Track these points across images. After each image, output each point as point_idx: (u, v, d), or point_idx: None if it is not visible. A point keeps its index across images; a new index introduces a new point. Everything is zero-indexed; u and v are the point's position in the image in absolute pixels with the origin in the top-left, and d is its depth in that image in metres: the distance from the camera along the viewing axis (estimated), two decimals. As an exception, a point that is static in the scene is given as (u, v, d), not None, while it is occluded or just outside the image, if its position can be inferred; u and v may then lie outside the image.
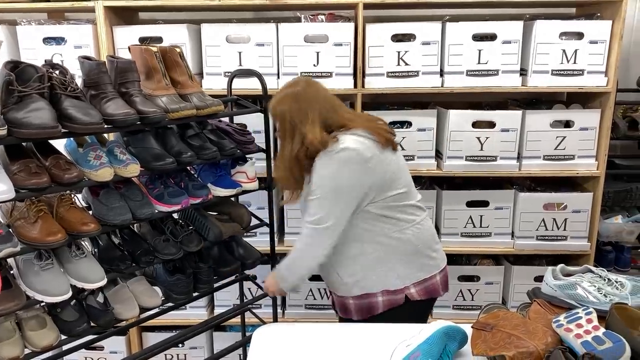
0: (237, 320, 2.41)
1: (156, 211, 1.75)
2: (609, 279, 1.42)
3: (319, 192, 1.61)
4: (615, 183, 2.48)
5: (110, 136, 1.87)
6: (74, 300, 1.65)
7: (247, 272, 2.19)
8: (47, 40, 2.21)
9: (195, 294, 1.94)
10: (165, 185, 1.82)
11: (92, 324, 1.65)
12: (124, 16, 2.38)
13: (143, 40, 2.25)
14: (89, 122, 1.48)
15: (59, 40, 2.21)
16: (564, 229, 2.41)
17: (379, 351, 1.37)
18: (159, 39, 2.24)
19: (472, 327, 1.40)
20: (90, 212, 1.70)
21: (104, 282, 1.60)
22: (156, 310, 1.89)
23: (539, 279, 2.50)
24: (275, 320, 2.28)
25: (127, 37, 2.23)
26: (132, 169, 1.65)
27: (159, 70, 1.78)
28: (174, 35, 2.23)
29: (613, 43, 2.24)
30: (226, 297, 2.52)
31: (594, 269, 1.48)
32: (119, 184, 1.75)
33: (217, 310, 2.54)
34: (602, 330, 1.15)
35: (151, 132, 1.81)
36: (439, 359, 1.29)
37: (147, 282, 1.87)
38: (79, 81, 1.61)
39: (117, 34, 2.24)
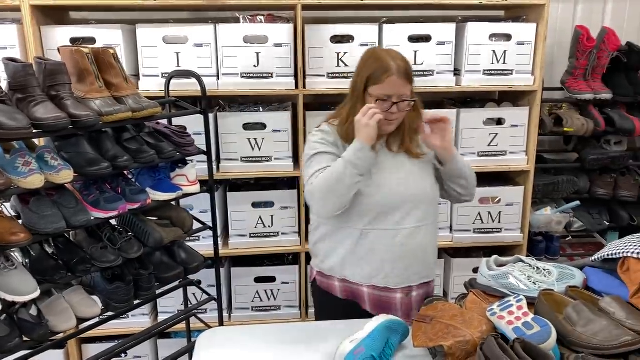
0: (182, 326, 2.36)
1: (92, 218, 1.69)
2: (537, 267, 1.51)
3: None
4: (543, 176, 2.63)
5: (41, 142, 1.78)
6: (4, 315, 1.57)
7: (190, 277, 2.16)
8: (-32, 40, 2.09)
9: (136, 302, 1.89)
10: (101, 190, 1.76)
11: (25, 339, 1.57)
12: (53, 16, 2.28)
13: (75, 41, 2.16)
14: (15, 127, 1.42)
15: (-19, 41, 2.09)
16: (499, 222, 2.52)
17: (324, 349, 1.39)
18: (92, 40, 2.16)
19: (412, 319, 1.45)
20: (20, 221, 1.62)
21: (36, 294, 1.54)
22: (96, 320, 1.83)
23: (477, 270, 2.60)
24: (221, 324, 2.25)
25: (56, 37, 2.13)
26: (65, 175, 1.59)
27: (91, 72, 1.72)
28: (108, 36, 2.16)
29: (538, 44, 2.37)
30: (170, 304, 2.46)
31: (524, 258, 1.56)
32: (51, 191, 1.68)
33: (161, 317, 2.48)
34: (531, 316, 1.22)
35: (85, 136, 1.75)
36: (382, 353, 1.33)
37: (84, 291, 1.80)
38: (4, 84, 1.53)
39: (46, 34, 2.14)
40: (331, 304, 1.73)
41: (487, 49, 2.34)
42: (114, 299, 1.80)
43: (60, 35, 2.14)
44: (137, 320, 2.44)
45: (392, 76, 1.54)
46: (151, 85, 2.22)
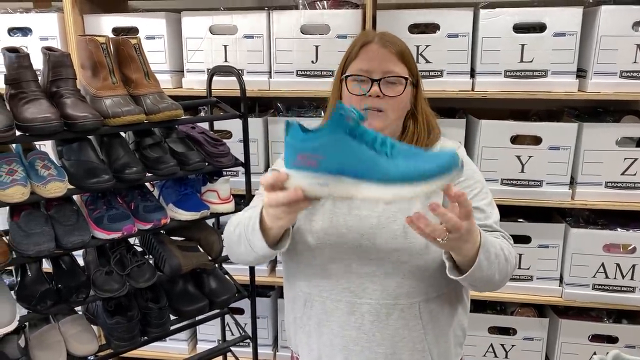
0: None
1: (90, 238, 1.42)
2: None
3: (485, 189, 1.15)
4: None
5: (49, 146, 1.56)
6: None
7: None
8: (13, 31, 1.95)
9: (144, 339, 1.60)
10: (108, 206, 1.49)
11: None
12: (109, 4, 2.07)
13: (119, 31, 1.94)
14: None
15: (26, 31, 1.94)
16: (632, 278, 1.86)
17: None
18: (135, 30, 1.92)
19: None
20: (8, 237, 1.39)
21: (11, 326, 1.30)
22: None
23: (598, 338, 1.96)
24: (256, 364, 1.89)
25: (98, 27, 1.93)
26: (54, 188, 1.32)
27: (105, 65, 1.46)
28: (151, 25, 1.90)
29: None
30: (210, 331, 2.17)
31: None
32: (54, 201, 1.44)
33: (200, 346, 2.20)
34: None
35: (92, 140, 1.50)
36: None
37: (85, 322, 1.55)
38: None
39: (89, 23, 1.94)
40: None
41: (627, 43, 1.70)
42: (114, 335, 1.52)
43: (104, 25, 1.93)
44: (174, 346, 2.18)
45: (368, 44, 1.11)
46: (196, 82, 1.92)
